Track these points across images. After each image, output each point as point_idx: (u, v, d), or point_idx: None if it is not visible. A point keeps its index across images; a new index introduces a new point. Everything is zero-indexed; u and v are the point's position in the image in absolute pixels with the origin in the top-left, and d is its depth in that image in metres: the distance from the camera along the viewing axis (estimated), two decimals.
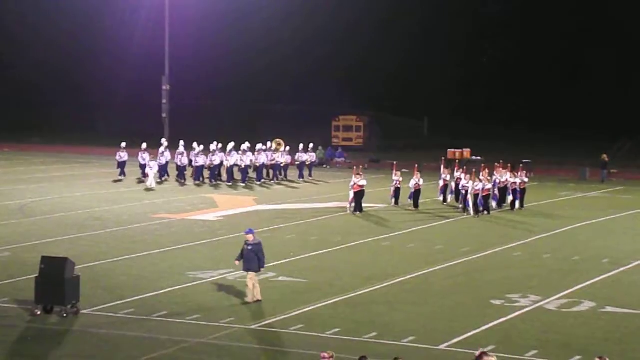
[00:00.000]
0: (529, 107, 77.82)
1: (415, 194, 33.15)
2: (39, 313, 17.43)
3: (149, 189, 37.60)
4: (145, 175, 39.76)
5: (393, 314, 18.11)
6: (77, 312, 17.56)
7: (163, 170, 40.69)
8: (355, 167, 34.37)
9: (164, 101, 53.48)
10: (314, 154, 44.69)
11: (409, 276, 21.63)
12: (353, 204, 31.55)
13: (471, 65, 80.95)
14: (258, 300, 18.60)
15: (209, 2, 71.53)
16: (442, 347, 16.06)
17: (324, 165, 51.24)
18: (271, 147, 42.86)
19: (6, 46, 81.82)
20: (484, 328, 17.21)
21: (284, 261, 23.15)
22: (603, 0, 74.97)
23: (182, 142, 41.32)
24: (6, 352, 15.51)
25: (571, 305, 19.14)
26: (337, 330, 16.84)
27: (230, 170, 40.40)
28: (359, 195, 31.56)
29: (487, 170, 33.22)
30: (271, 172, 41.99)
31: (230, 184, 39.84)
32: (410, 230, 28.80)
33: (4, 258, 22.91)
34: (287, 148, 43.65)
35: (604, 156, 46.04)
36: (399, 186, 33.78)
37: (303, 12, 78.50)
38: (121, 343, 16.02)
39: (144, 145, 40.80)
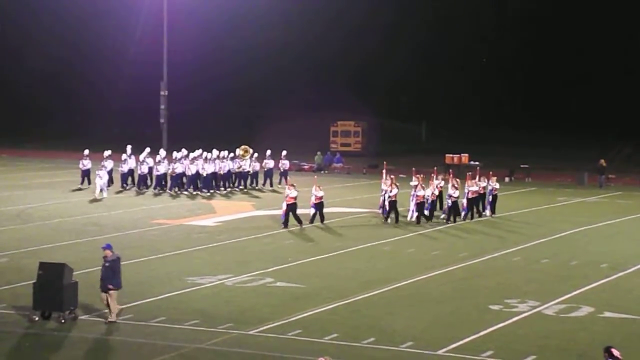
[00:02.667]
0: (527, 113, 77.95)
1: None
2: (36, 319, 17.40)
3: (97, 200, 35.74)
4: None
5: (391, 319, 18.09)
6: (75, 318, 17.53)
7: (125, 178, 39.49)
8: (288, 179, 32.85)
9: (162, 107, 53.44)
10: (287, 162, 42.80)
11: (407, 281, 21.62)
12: (284, 217, 29.55)
13: (470, 70, 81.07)
14: (112, 322, 17.30)
15: (208, 8, 71.61)
16: (440, 352, 16.04)
17: (322, 171, 51.25)
18: (238, 154, 41.12)
19: (2, 53, 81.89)
20: (482, 333, 17.19)
21: (282, 266, 23.14)
22: (601, 6, 75.07)
23: (147, 149, 40.11)
24: (4, 359, 15.48)
25: (570, 310, 19.13)
26: (335, 335, 16.82)
27: (193, 179, 38.49)
28: (293, 208, 29.57)
29: (433, 176, 32.47)
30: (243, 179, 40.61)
31: (193, 192, 37.94)
32: (408, 235, 28.79)
33: (2, 264, 22.88)
34: (256, 155, 41.96)
35: (602, 161, 46.09)
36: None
37: (303, 19, 78.67)
38: (119, 349, 15.99)
39: (107, 153, 39.22)
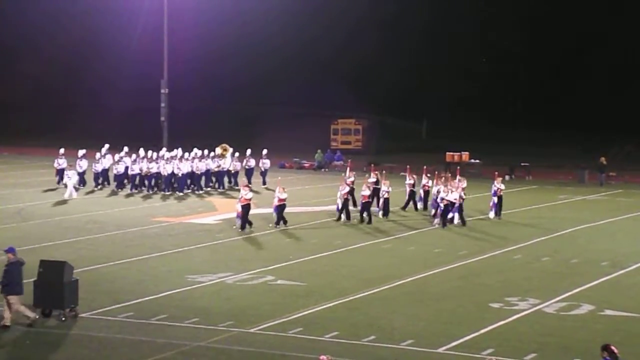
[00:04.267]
0: (527, 110, 77.94)
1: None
2: (37, 317, 17.40)
3: (66, 200, 34.60)
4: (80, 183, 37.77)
5: (392, 317, 18.10)
6: (76, 315, 17.54)
7: (102, 177, 38.68)
8: (243, 179, 31.52)
9: (163, 105, 53.41)
10: (267, 161, 41.31)
11: (408, 279, 21.62)
12: (239, 220, 28.15)
13: (470, 68, 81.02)
14: (6, 326, 16.70)
15: (208, 6, 71.58)
16: (440, 350, 16.05)
17: (323, 169, 51.25)
18: (217, 153, 39.99)
19: (8, 52, 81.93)
20: (482, 331, 17.20)
21: (283, 264, 23.14)
22: (604, 5, 75.05)
23: (125, 148, 39.24)
24: (5, 356, 15.49)
25: (570, 308, 19.14)
26: (336, 333, 16.82)
27: (168, 179, 37.30)
28: (246, 209, 28.17)
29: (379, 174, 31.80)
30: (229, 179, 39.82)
31: (168, 192, 36.94)
32: (409, 233, 28.78)
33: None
34: (237, 154, 40.78)
35: (602, 159, 46.08)
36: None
37: (304, 16, 78.62)
38: (120, 346, 16.00)
39: (81, 152, 38.69)
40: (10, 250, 17.25)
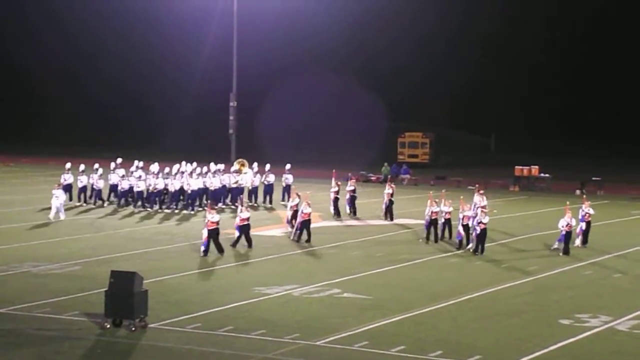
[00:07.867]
0: (598, 124, 76.61)
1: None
2: (108, 326, 17.71)
3: (52, 222, 31.77)
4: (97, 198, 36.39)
5: (459, 332, 17.93)
6: (145, 326, 17.78)
7: (114, 192, 36.81)
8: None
9: (231, 118, 53.93)
10: (290, 176, 38.48)
11: (475, 294, 21.40)
12: (203, 246, 25.54)
13: (539, 81, 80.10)
14: None
15: (279, 17, 72.33)
16: None
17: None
18: (235, 168, 38.35)
19: (77, 64, 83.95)
20: (552, 348, 16.91)
21: (349, 277, 23.12)
22: None
23: (138, 163, 37.60)
24: None
25: None
26: (402, 347, 16.73)
27: (175, 196, 35.24)
28: (214, 234, 25.42)
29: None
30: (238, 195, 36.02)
31: (176, 210, 34.78)
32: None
33: (75, 272, 23.37)
34: (256, 169, 38.42)
35: None
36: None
37: (371, 29, 78.80)
38: (188, 357, 16.17)
39: (82, 167, 37.41)
40: None
